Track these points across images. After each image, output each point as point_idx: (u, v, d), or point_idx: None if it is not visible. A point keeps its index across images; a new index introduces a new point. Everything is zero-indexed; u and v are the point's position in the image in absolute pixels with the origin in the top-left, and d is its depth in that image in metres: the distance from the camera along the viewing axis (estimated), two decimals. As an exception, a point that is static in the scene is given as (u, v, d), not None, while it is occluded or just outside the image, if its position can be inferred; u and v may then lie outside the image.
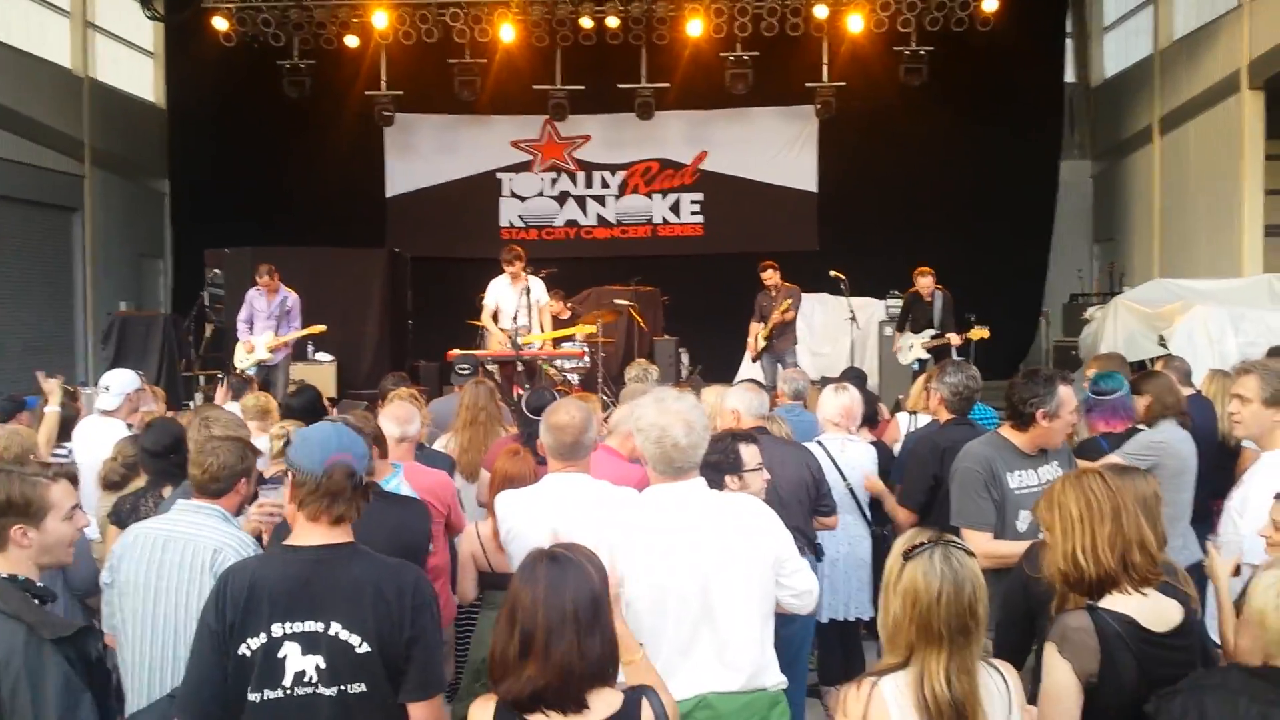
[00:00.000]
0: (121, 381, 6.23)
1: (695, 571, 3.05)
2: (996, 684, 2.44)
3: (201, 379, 11.89)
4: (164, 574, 3.37)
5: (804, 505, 4.86)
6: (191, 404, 10.33)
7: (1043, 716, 2.63)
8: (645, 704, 2.44)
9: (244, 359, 10.09)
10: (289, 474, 2.70)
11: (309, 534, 2.67)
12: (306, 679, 2.56)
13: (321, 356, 12.16)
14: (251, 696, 2.55)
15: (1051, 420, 4.00)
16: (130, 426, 5.97)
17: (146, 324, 12.72)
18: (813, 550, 4.95)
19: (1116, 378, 5.28)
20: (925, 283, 10.94)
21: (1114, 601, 2.69)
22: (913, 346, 10.92)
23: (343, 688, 2.58)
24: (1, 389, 9.80)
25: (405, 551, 3.18)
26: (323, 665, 2.56)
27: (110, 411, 6.09)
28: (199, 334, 12.60)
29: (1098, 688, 2.61)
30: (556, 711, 2.34)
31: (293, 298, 10.38)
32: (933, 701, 2.34)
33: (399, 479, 4.13)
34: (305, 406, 6.22)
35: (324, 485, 2.64)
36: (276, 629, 2.56)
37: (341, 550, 2.67)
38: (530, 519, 3.61)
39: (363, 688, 2.59)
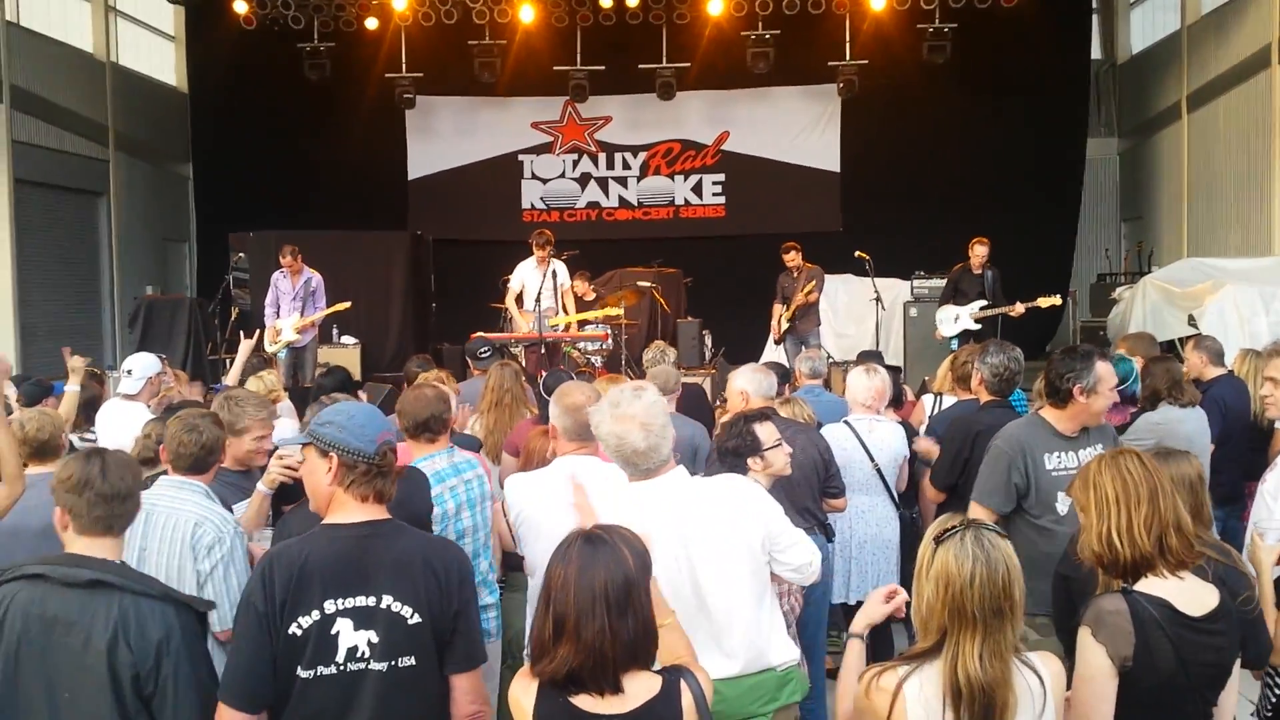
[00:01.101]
0: (143, 365, 6.27)
1: (683, 564, 3.05)
2: (1030, 683, 2.40)
3: (228, 362, 11.94)
4: (147, 546, 3.42)
5: (813, 487, 4.85)
6: (219, 386, 10.39)
7: (1076, 700, 2.60)
8: (684, 686, 2.43)
9: (272, 344, 10.12)
10: (329, 456, 2.69)
11: (351, 512, 2.70)
12: (359, 654, 2.59)
13: (346, 340, 12.22)
14: (304, 673, 2.57)
15: (1089, 396, 3.97)
16: (150, 408, 6.00)
17: (172, 307, 12.79)
18: (823, 531, 4.95)
19: (1125, 365, 5.25)
20: (980, 252, 10.56)
21: (1149, 585, 2.66)
22: (958, 318, 10.58)
23: (393, 662, 2.62)
24: (30, 372, 9.90)
25: (411, 522, 3.23)
26: (375, 640, 2.60)
27: (132, 395, 6.13)
28: (224, 317, 12.66)
29: (1132, 671, 2.58)
30: (594, 693, 2.33)
31: (316, 278, 10.42)
32: (965, 684, 2.31)
33: (455, 453, 4.21)
34: (337, 387, 6.23)
35: (377, 465, 2.69)
36: (329, 605, 2.58)
37: (385, 526, 2.72)
38: (541, 501, 3.60)
39: (412, 661, 2.64)
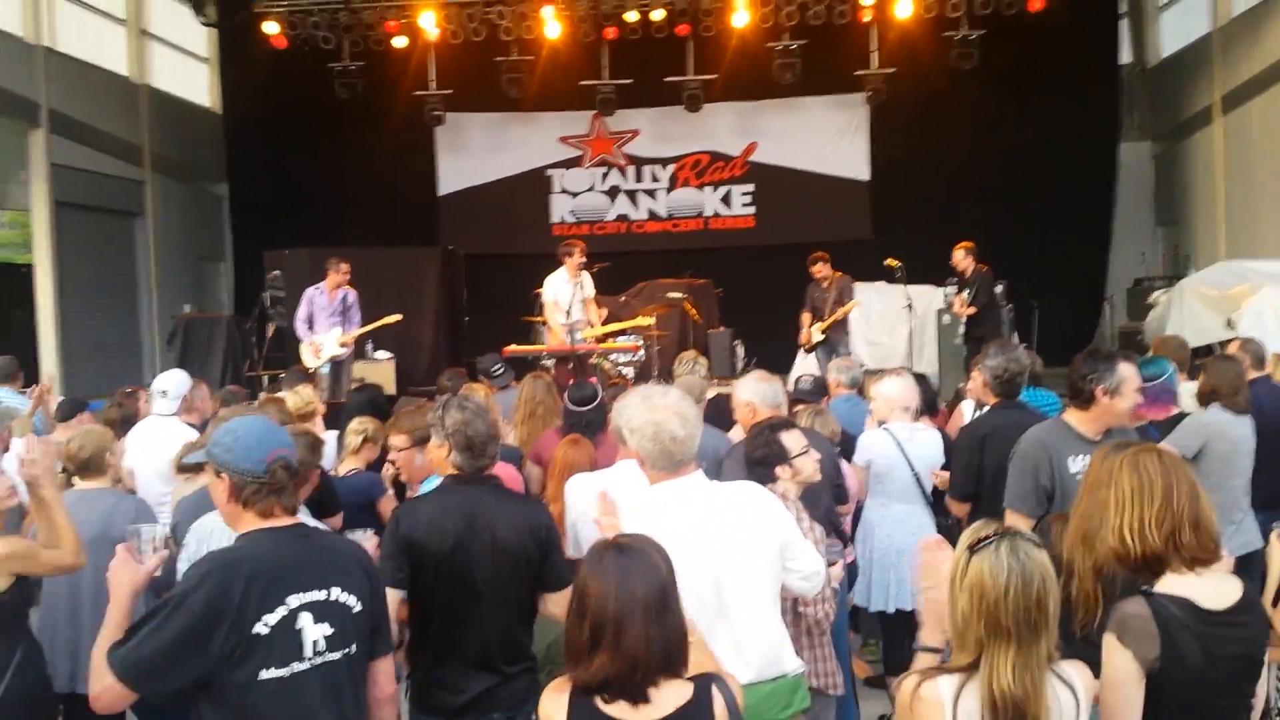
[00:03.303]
0: (178, 383, 6.34)
1: (708, 568, 3.05)
2: (1062, 695, 2.38)
3: (265, 379, 12.07)
4: None
5: (830, 493, 4.83)
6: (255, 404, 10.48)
7: (1105, 706, 2.59)
8: (716, 693, 2.44)
9: (313, 359, 10.18)
10: (222, 476, 2.71)
11: (272, 520, 2.71)
12: (319, 647, 2.62)
13: (380, 354, 12.30)
14: (274, 673, 2.55)
15: (1113, 397, 3.93)
16: (192, 425, 6.06)
17: (210, 326, 12.96)
18: (840, 537, 4.93)
19: (1160, 363, 5.20)
20: (957, 256, 10.76)
21: (1169, 583, 2.64)
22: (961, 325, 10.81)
23: (346, 650, 2.68)
24: (69, 390, 10.05)
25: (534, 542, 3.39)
26: (329, 631, 2.63)
27: (168, 415, 6.20)
28: (261, 334, 12.80)
29: (1162, 672, 2.56)
30: (627, 700, 2.34)
31: (352, 294, 10.49)
32: (1000, 698, 2.31)
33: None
34: (366, 402, 6.28)
35: (268, 484, 2.68)
36: (294, 599, 2.59)
37: (308, 528, 2.82)
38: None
39: (354, 649, 2.70)
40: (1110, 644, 2.59)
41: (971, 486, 4.78)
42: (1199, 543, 2.65)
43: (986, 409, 5.77)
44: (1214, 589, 2.66)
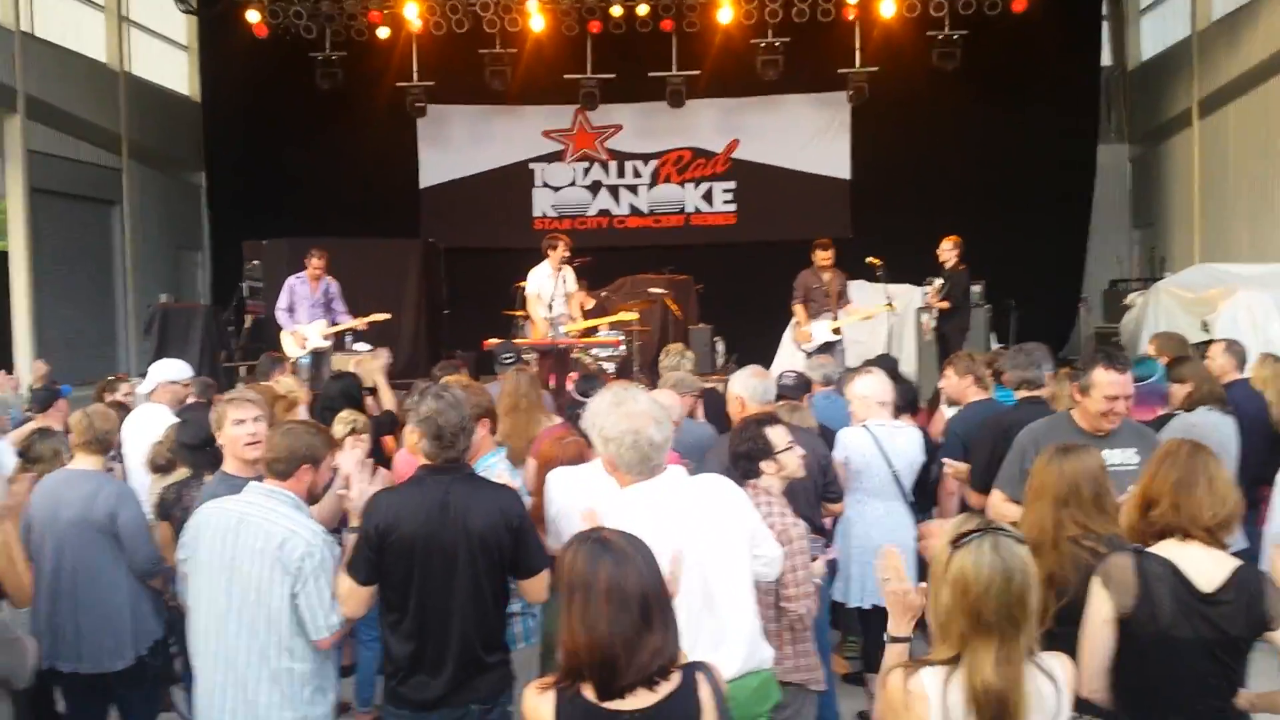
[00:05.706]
0: (159, 370, 6.43)
1: (694, 564, 3.04)
2: (1043, 687, 2.42)
3: (242, 369, 11.99)
4: (238, 554, 3.40)
5: (810, 492, 4.84)
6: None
7: (1083, 644, 2.87)
8: (701, 679, 2.45)
9: (296, 349, 10.13)
10: None
11: None
12: None
13: (360, 346, 12.22)
14: None
15: (1084, 395, 4.18)
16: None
17: (187, 315, 12.87)
18: (821, 534, 4.95)
19: (1150, 364, 5.27)
20: (944, 248, 10.54)
21: (1162, 548, 2.93)
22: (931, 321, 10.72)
23: None
24: (44, 378, 9.94)
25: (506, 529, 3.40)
26: None
27: (147, 395, 6.25)
28: (239, 325, 12.72)
29: (1131, 617, 2.83)
30: (618, 693, 2.34)
31: (334, 285, 10.45)
32: (983, 691, 2.35)
33: (500, 458, 4.26)
34: (338, 394, 6.24)
35: None
36: None
37: None
38: (585, 497, 3.59)
39: None
40: (1095, 587, 2.92)
41: (991, 477, 4.75)
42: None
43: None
44: (1206, 565, 2.88)
